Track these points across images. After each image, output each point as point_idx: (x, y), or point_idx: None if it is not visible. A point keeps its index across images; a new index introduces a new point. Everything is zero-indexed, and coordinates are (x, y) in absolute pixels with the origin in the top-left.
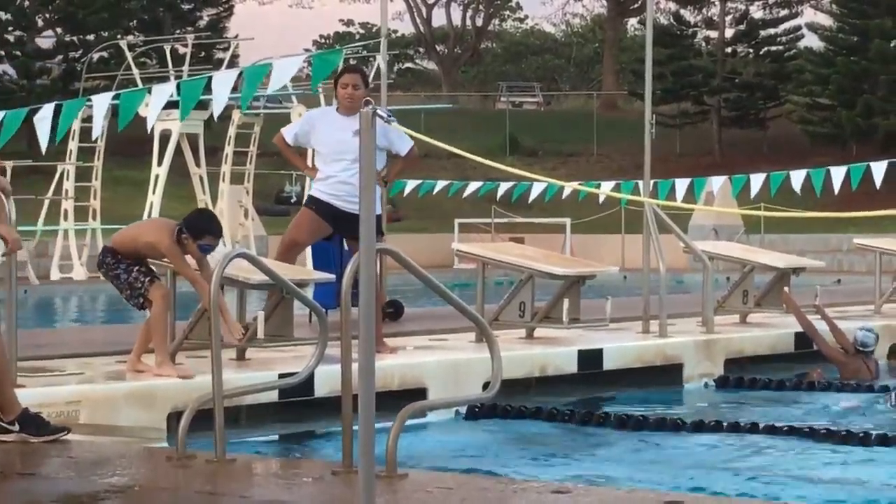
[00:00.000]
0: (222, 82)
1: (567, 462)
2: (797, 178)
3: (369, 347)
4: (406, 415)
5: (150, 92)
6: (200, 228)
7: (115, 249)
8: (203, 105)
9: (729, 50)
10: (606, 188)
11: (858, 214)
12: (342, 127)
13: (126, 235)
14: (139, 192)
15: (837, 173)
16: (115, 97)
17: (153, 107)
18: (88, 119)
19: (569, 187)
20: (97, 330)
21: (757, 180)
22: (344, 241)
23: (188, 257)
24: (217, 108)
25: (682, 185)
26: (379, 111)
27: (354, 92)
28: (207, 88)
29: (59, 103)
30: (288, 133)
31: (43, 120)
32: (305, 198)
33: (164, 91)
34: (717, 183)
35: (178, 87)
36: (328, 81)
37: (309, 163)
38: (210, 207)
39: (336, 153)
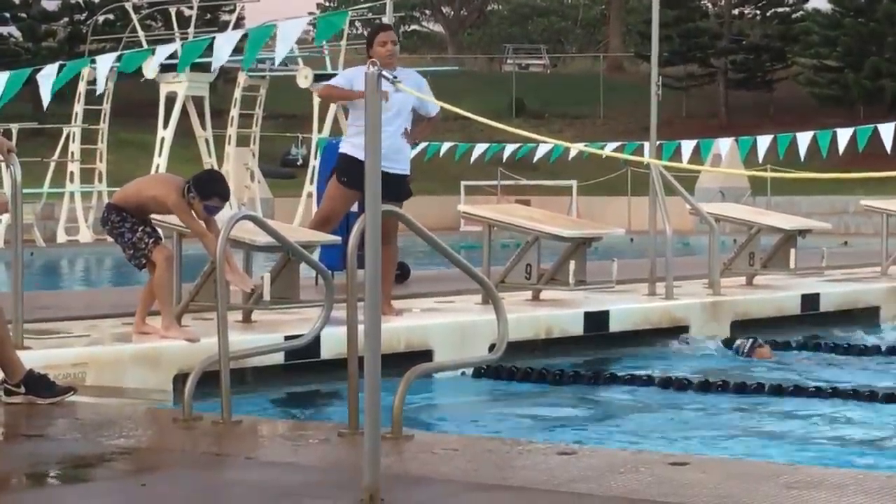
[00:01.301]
0: (224, 42)
1: (573, 423)
2: (804, 139)
3: (375, 309)
4: (412, 377)
5: (153, 53)
6: (209, 190)
7: (119, 206)
8: (208, 67)
9: (736, 11)
10: (611, 149)
11: (864, 175)
12: (386, 85)
13: (129, 190)
14: (145, 154)
15: (844, 135)
16: (119, 58)
17: (154, 63)
18: (94, 82)
19: (574, 148)
20: (103, 292)
21: (764, 142)
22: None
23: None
24: (216, 64)
25: (687, 146)
26: (384, 73)
27: (394, 48)
28: (211, 50)
29: (63, 63)
30: (336, 82)
31: (46, 77)
32: (340, 158)
33: (167, 50)
34: (724, 145)
35: (181, 47)
36: (334, 43)
37: (342, 122)
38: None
39: (383, 111)
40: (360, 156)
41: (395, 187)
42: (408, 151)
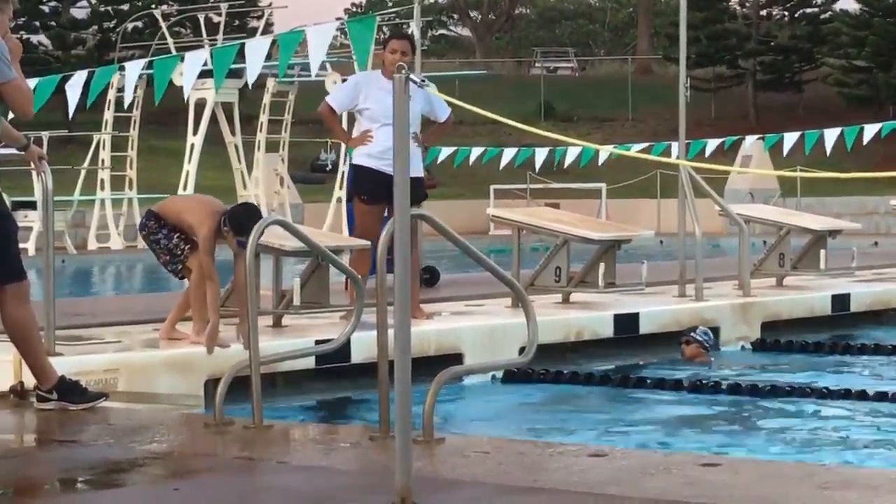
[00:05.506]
0: (255, 50)
1: (604, 425)
2: (831, 137)
3: (405, 313)
4: (442, 380)
5: (182, 59)
6: (242, 226)
7: (159, 214)
8: (237, 74)
9: (764, 13)
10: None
11: (893, 175)
12: (391, 91)
13: (172, 208)
14: (175, 161)
15: (871, 130)
16: (147, 65)
17: (187, 75)
18: (124, 89)
19: (603, 150)
20: (134, 299)
21: (790, 139)
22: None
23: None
24: (251, 76)
25: (713, 145)
26: (412, 77)
27: (403, 58)
28: (241, 56)
29: (92, 70)
30: (334, 101)
31: (74, 86)
32: (349, 171)
33: (198, 58)
34: (749, 141)
35: (211, 54)
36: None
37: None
38: (245, 175)
39: (386, 117)
40: (369, 163)
41: None
42: (418, 154)
